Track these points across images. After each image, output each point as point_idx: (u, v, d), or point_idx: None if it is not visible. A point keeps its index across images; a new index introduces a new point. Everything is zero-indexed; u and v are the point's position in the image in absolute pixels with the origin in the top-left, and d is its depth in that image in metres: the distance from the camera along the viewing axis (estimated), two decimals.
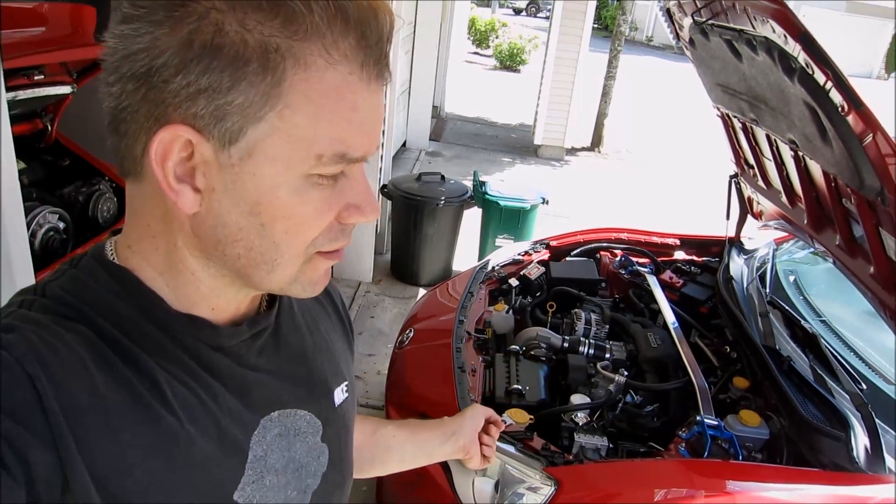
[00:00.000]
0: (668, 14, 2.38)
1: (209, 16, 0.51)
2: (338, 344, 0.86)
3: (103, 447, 0.53)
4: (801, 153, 1.98)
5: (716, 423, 1.89)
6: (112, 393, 0.55)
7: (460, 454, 1.13)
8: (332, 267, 0.68)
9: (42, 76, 2.76)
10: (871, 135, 1.33)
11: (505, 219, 4.43)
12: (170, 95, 0.53)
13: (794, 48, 1.44)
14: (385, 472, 1.09)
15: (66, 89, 2.97)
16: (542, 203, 4.48)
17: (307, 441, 0.74)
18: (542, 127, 8.40)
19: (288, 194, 0.57)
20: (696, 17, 1.92)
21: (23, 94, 2.69)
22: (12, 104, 2.58)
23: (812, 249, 2.94)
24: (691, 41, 2.30)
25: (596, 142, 9.34)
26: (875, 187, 1.48)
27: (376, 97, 0.59)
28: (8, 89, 2.38)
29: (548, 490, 1.67)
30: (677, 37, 2.52)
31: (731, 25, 1.77)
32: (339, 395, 0.81)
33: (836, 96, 1.39)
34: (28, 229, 2.55)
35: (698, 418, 1.90)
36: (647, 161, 9.34)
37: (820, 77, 1.40)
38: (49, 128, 3.18)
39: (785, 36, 1.42)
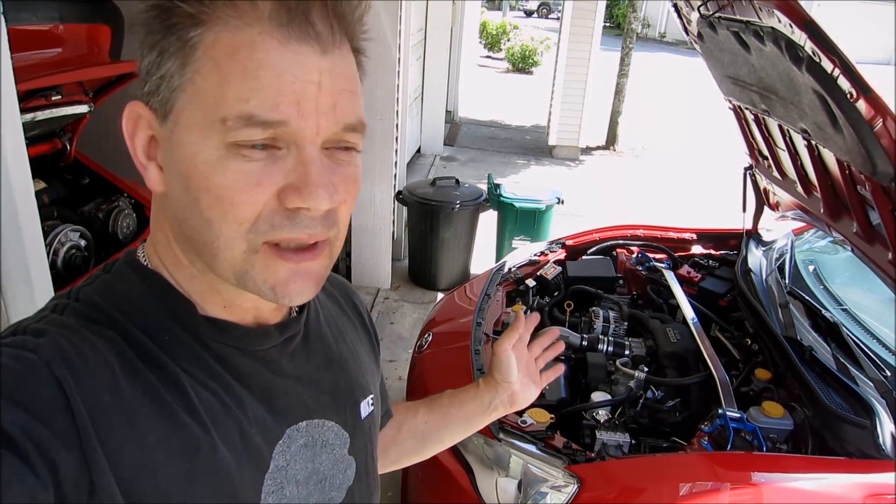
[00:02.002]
0: (676, 9, 2.38)
1: (149, 2, 0.55)
2: (364, 356, 0.85)
3: (128, 449, 0.54)
4: (813, 142, 1.97)
5: (738, 415, 1.88)
6: (137, 397, 0.56)
7: (511, 411, 1.06)
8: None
9: (59, 96, 2.81)
10: (882, 120, 1.33)
11: (521, 220, 4.44)
12: (140, 82, 0.59)
13: (800, 37, 1.44)
14: (423, 458, 1.05)
15: (83, 108, 3.02)
16: (558, 203, 4.48)
17: (334, 453, 0.73)
18: (555, 127, 8.39)
19: (206, 163, 0.55)
20: (702, 11, 1.92)
21: (41, 115, 2.73)
22: (31, 125, 2.64)
23: (830, 238, 2.92)
24: (699, 35, 2.30)
25: (611, 140, 9.31)
26: (889, 173, 1.47)
27: (300, 58, 0.54)
28: (26, 110, 2.44)
29: (571, 488, 1.68)
30: (686, 31, 2.52)
31: (738, 17, 1.77)
32: (366, 407, 0.80)
33: (844, 83, 1.39)
34: (50, 248, 2.60)
35: (720, 411, 1.89)
36: (663, 157, 9.29)
37: (827, 65, 1.39)
38: (68, 147, 3.24)
39: (791, 25, 1.42)
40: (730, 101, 2.65)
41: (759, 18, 1.60)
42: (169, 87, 0.56)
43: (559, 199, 4.47)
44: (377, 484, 0.84)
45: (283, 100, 0.54)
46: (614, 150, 9.26)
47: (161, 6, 0.55)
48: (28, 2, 2.60)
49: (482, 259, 4.73)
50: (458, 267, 4.60)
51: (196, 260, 0.62)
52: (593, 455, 1.80)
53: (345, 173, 0.60)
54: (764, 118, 2.36)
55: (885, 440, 1.74)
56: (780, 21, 1.48)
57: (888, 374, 1.99)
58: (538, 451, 1.79)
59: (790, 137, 2.21)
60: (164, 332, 0.60)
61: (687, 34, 2.55)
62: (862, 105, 1.37)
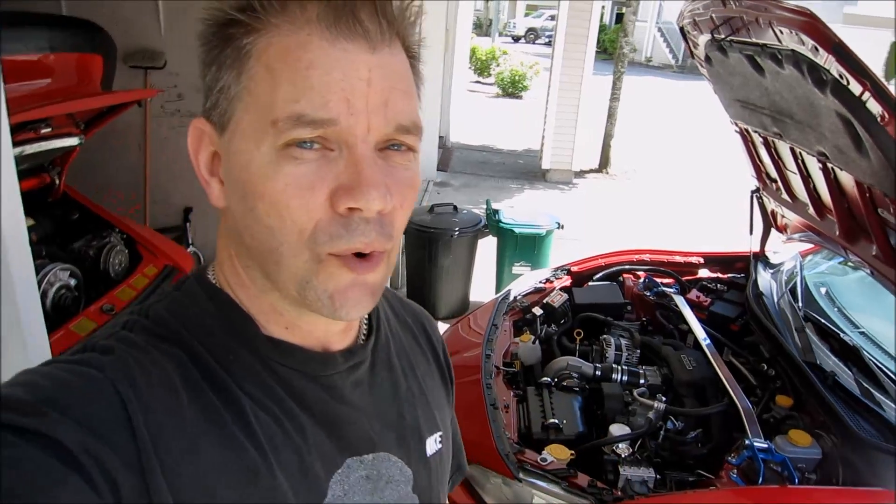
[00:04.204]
0: (683, 32, 2.37)
1: (204, 19, 0.57)
2: (435, 392, 0.82)
3: (187, 472, 0.53)
4: (829, 165, 1.94)
5: (765, 445, 1.83)
6: (199, 419, 0.55)
7: None
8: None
9: (49, 129, 2.73)
10: None
11: (521, 246, 4.40)
12: (203, 98, 0.60)
13: (825, 59, 1.41)
14: None
15: (73, 141, 2.95)
16: (558, 228, 4.45)
17: (398, 490, 0.70)
18: (549, 151, 8.40)
19: (259, 169, 0.55)
20: (715, 35, 1.90)
21: (30, 149, 2.65)
22: (20, 159, 2.54)
23: (840, 259, 2.89)
24: (707, 58, 2.28)
25: (604, 163, 9.34)
26: None
27: (349, 56, 0.54)
28: (14, 144, 2.37)
29: None
30: (692, 55, 2.51)
31: (753, 40, 1.75)
32: (433, 444, 0.76)
33: (873, 106, 1.36)
34: (39, 288, 2.49)
35: (747, 442, 1.84)
36: (656, 180, 9.32)
37: (856, 87, 1.36)
38: (57, 181, 3.15)
39: (816, 48, 1.39)
40: (736, 125, 2.63)
41: (779, 41, 1.57)
42: (227, 98, 0.57)
43: (559, 223, 4.44)
44: None
45: (333, 97, 0.53)
46: (607, 173, 9.28)
47: (216, 19, 0.56)
48: (17, 31, 2.54)
49: (482, 286, 4.68)
50: (458, 295, 4.54)
51: (257, 277, 0.61)
52: (619, 493, 1.73)
53: (400, 176, 0.58)
54: (774, 141, 2.34)
55: None
56: (803, 43, 1.45)
57: None
58: (562, 491, 1.72)
59: (803, 160, 2.18)
60: (229, 352, 0.60)
61: (693, 57, 2.53)
62: (893, 127, 1.33)
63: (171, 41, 4.08)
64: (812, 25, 1.36)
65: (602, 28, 25.37)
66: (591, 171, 9.30)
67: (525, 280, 3.11)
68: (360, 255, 0.57)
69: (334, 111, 0.53)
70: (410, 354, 0.80)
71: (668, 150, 11.42)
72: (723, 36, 1.89)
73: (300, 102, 0.53)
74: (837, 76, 1.40)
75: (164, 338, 0.59)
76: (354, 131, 0.54)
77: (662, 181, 9.26)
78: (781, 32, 1.51)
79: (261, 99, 0.55)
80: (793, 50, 1.55)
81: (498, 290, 4.46)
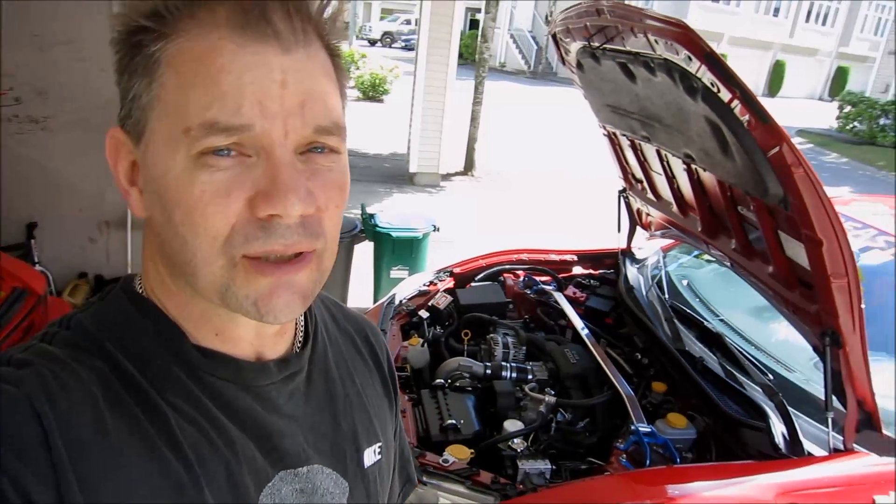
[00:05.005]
0: (555, 39, 2.47)
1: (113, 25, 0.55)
2: (375, 402, 0.80)
3: (107, 487, 0.51)
4: (694, 166, 2.11)
5: (649, 429, 1.95)
6: (120, 432, 0.54)
7: None
8: None
9: None
10: (778, 147, 1.43)
11: (398, 250, 4.39)
12: (119, 108, 0.58)
13: (697, 68, 1.53)
14: None
15: None
16: (434, 230, 4.49)
17: (332, 502, 0.68)
18: (416, 154, 8.48)
19: (175, 179, 0.53)
20: (590, 43, 2.00)
21: None
22: None
23: (697, 253, 3.15)
24: (580, 65, 2.40)
25: (468, 166, 9.56)
26: (778, 194, 1.60)
27: (260, 58, 0.52)
28: None
29: None
30: (562, 61, 2.62)
31: (627, 49, 1.86)
32: (371, 455, 0.74)
33: (740, 112, 1.49)
34: None
35: (633, 427, 1.95)
36: (520, 181, 9.68)
37: (725, 95, 1.49)
38: None
39: (689, 57, 1.51)
40: (604, 128, 2.79)
41: (653, 50, 1.68)
42: (139, 107, 0.55)
43: (435, 226, 4.48)
44: None
45: (245, 102, 0.52)
46: (473, 176, 9.52)
47: (125, 27, 0.54)
48: None
49: (359, 292, 4.63)
50: None
51: (184, 285, 0.60)
52: (521, 487, 1.77)
53: (325, 179, 0.57)
54: (641, 144, 2.50)
55: (780, 440, 1.86)
56: (677, 53, 1.56)
57: (771, 377, 2.15)
58: (467, 490, 1.74)
59: (668, 162, 2.35)
60: (154, 363, 0.59)
61: (563, 63, 2.65)
62: (758, 132, 1.47)
63: (4, 39, 3.69)
64: (686, 36, 1.47)
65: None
66: (457, 173, 9.50)
67: (409, 284, 3.11)
68: (286, 259, 0.56)
69: (247, 116, 0.52)
70: (350, 363, 0.78)
71: (529, 152, 11.91)
72: (597, 44, 1.99)
73: (212, 109, 0.51)
74: (709, 84, 1.53)
75: (84, 349, 0.57)
76: (271, 135, 0.53)
77: (526, 182, 9.64)
78: (656, 42, 1.62)
79: (173, 107, 0.53)
80: (665, 59, 1.67)
81: (376, 295, 4.43)
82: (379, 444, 0.76)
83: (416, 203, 7.84)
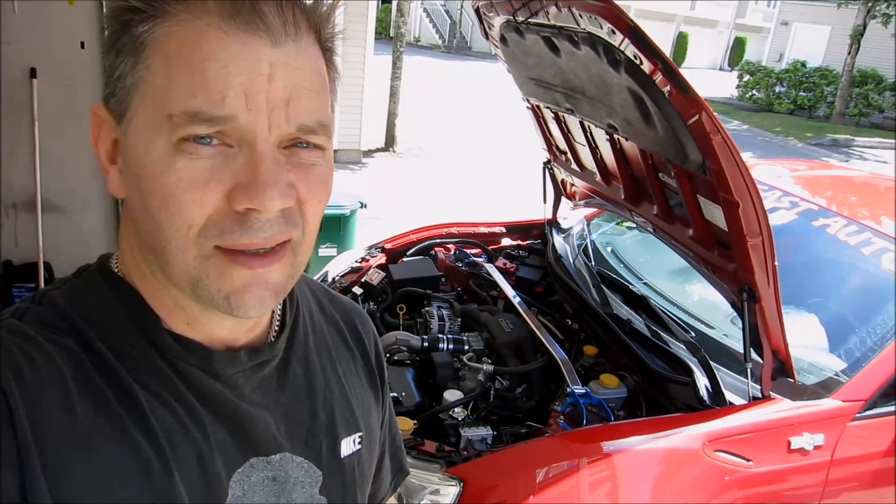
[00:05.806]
0: (478, 13, 2.49)
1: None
2: (358, 391, 0.79)
3: (74, 469, 0.51)
4: (617, 136, 2.19)
5: (584, 391, 2.04)
6: (89, 414, 0.53)
7: None
8: None
9: None
10: (698, 115, 1.51)
11: (326, 228, 4.34)
12: (104, 85, 0.58)
13: (620, 41, 1.58)
14: None
15: None
16: (361, 207, 4.47)
17: (305, 491, 0.68)
18: (336, 131, 8.34)
19: (154, 164, 0.53)
20: (515, 17, 2.03)
21: None
22: None
23: (618, 220, 3.27)
24: (503, 39, 2.43)
25: (389, 142, 9.51)
26: (698, 160, 1.69)
27: (248, 49, 0.52)
28: None
29: (454, 490, 1.69)
30: (485, 35, 2.65)
31: (551, 23, 1.90)
32: (350, 445, 0.74)
33: (661, 83, 1.56)
34: None
35: (568, 389, 2.03)
36: (442, 156, 9.71)
37: (647, 66, 1.55)
38: None
39: (613, 30, 1.56)
40: (528, 101, 2.84)
41: (577, 24, 1.73)
42: (123, 86, 0.55)
43: (362, 203, 4.47)
44: None
45: (230, 93, 0.51)
46: (394, 152, 9.47)
47: (117, 4, 0.54)
48: None
49: None
50: None
51: (158, 272, 0.59)
52: (466, 454, 1.83)
53: (307, 173, 0.57)
54: (564, 116, 2.57)
55: (704, 393, 1.99)
56: (601, 27, 1.61)
57: (693, 334, 2.28)
58: (413, 460, 1.77)
59: (591, 133, 2.42)
60: (128, 345, 0.58)
61: (486, 38, 2.68)
62: (679, 102, 1.54)
63: None
64: (610, 11, 1.52)
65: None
66: (378, 150, 9.43)
67: (341, 261, 3.11)
68: (259, 252, 0.55)
69: (232, 107, 0.51)
70: (333, 351, 0.77)
71: (449, 126, 11.93)
72: (521, 19, 2.02)
73: (196, 98, 0.51)
74: (632, 56, 1.59)
75: (55, 327, 0.56)
76: (254, 128, 0.52)
77: (449, 157, 9.68)
78: (581, 16, 1.67)
79: (156, 91, 0.52)
80: (589, 32, 1.72)
81: (306, 273, 4.39)
82: (359, 433, 0.76)
83: (339, 180, 7.63)
